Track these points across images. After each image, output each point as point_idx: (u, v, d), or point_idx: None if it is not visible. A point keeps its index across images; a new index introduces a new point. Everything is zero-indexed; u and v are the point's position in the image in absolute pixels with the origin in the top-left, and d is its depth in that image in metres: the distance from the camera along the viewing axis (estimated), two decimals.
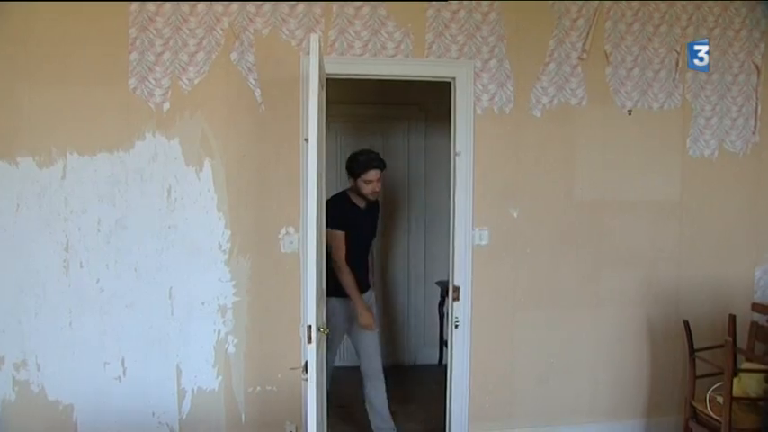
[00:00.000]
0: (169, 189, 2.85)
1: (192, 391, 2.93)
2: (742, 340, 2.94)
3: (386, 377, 3.31)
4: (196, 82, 2.84)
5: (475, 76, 3.06)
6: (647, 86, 3.27)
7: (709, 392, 2.86)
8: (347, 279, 3.08)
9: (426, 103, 4.58)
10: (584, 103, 3.19)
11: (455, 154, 3.04)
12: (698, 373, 2.98)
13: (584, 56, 3.18)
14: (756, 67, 3.36)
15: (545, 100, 3.16)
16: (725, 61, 3.34)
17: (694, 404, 2.97)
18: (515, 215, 3.15)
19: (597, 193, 3.25)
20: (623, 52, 3.24)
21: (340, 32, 2.95)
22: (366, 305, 3.15)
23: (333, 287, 3.01)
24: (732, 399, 2.67)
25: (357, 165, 3.13)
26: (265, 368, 2.98)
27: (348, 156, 3.25)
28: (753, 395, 2.75)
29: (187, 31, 2.81)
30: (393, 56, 3.00)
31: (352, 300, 3.10)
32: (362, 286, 3.22)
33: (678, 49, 3.28)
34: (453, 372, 3.11)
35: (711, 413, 2.81)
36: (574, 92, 3.18)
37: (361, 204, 3.24)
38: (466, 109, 3.04)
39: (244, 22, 2.86)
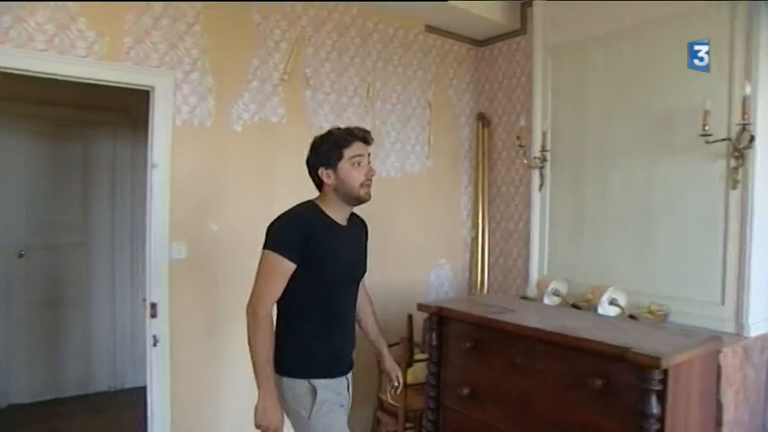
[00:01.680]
0: None
1: None
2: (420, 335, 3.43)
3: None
4: None
5: (176, 86, 3.00)
6: (342, 110, 3.61)
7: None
8: (260, 343, 1.89)
9: (135, 109, 4.29)
10: (284, 121, 3.38)
11: (152, 166, 2.91)
12: None
13: (286, 77, 3.37)
14: (429, 103, 4.01)
15: (246, 116, 3.24)
16: (406, 96, 3.91)
17: (380, 395, 3.36)
18: (215, 228, 3.15)
19: None
20: (322, 77, 3.53)
21: (17, 20, 2.59)
22: (272, 398, 1.92)
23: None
24: (407, 386, 3.09)
25: (333, 142, 2.02)
26: None
27: (311, 143, 2.12)
28: (422, 381, 3.24)
29: None
30: (84, 56, 2.75)
31: (257, 375, 1.92)
32: (336, 367, 2.05)
33: (369, 80, 3.72)
34: (153, 392, 2.96)
35: (391, 401, 3.22)
36: (275, 110, 3.34)
37: (341, 218, 2.07)
38: (165, 120, 2.94)
39: None
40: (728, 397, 2.43)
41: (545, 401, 2.37)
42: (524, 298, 3.37)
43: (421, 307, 2.91)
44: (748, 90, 2.42)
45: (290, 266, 1.92)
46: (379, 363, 2.54)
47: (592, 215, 3.17)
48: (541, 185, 3.41)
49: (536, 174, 3.43)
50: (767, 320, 2.62)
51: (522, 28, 3.94)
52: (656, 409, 2.02)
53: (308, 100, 3.48)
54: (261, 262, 1.95)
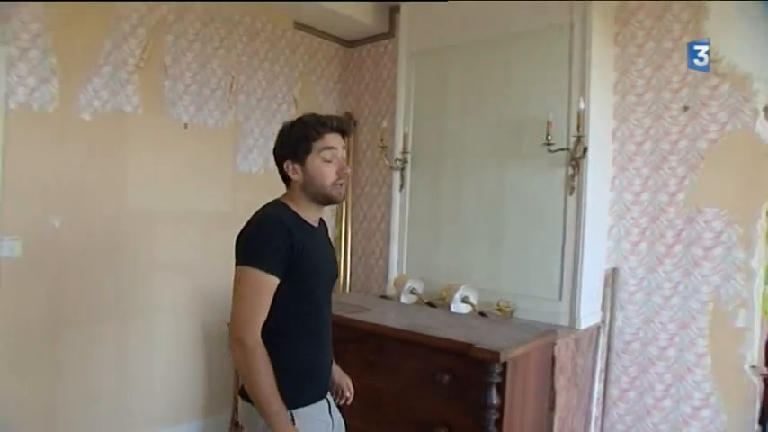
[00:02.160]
0: None
1: None
2: None
3: None
4: None
5: (9, 64, 2.68)
6: (203, 103, 3.45)
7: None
8: (259, 375, 1.56)
9: None
10: (139, 111, 3.16)
11: None
12: None
13: (143, 64, 3.15)
14: (295, 100, 3.96)
15: (97, 103, 2.99)
16: (271, 92, 3.83)
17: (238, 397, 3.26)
18: (57, 224, 2.86)
19: (151, 203, 3.24)
20: (183, 67, 3.35)
21: None
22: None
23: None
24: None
25: (303, 133, 1.73)
26: None
27: (279, 131, 1.81)
28: None
29: None
30: None
31: (264, 415, 1.57)
32: (316, 390, 1.75)
33: (233, 74, 3.59)
34: None
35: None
36: (129, 99, 3.11)
37: (313, 219, 1.79)
38: None
39: None
40: (561, 383, 2.66)
41: (398, 398, 2.43)
42: (383, 297, 3.44)
43: None
44: (582, 105, 2.66)
45: (274, 282, 1.59)
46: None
47: (448, 216, 3.31)
48: (402, 186, 3.50)
49: (397, 175, 3.51)
50: (595, 314, 2.91)
51: (391, 32, 4.03)
52: (495, 400, 2.16)
53: (167, 90, 3.28)
54: (239, 281, 1.60)
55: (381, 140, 3.54)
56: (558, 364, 2.61)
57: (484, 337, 2.31)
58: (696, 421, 2.73)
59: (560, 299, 2.81)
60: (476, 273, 3.13)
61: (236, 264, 1.61)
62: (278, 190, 1.80)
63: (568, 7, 2.85)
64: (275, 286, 1.59)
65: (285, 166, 1.73)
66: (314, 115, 1.76)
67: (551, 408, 2.60)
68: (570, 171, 2.77)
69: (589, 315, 2.84)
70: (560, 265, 2.82)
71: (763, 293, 2.62)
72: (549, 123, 2.71)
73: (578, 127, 2.67)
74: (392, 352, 2.45)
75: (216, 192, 3.56)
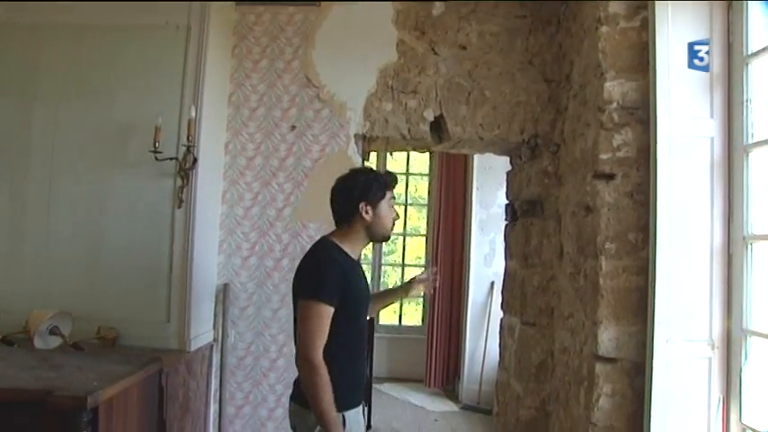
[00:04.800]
0: None
1: None
2: None
3: None
4: None
5: None
6: None
7: None
8: (323, 390, 1.84)
9: None
10: None
11: None
12: None
13: None
14: None
15: None
16: None
17: None
18: None
19: None
20: None
21: None
22: None
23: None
24: None
25: (381, 182, 2.07)
26: None
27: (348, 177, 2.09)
28: None
29: None
30: None
31: (323, 422, 1.85)
32: (357, 396, 2.08)
33: None
34: None
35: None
36: None
37: (356, 253, 2.11)
38: None
39: None
40: (172, 414, 2.45)
41: None
42: None
43: None
44: (193, 113, 2.52)
45: (331, 311, 1.92)
46: (405, 290, 2.43)
47: (35, 231, 2.72)
48: None
49: None
50: (207, 333, 2.80)
51: None
52: None
53: None
54: (304, 310, 1.92)
55: None
56: (166, 394, 2.39)
57: (71, 379, 1.92)
58: None
59: (168, 320, 2.60)
60: (71, 298, 2.63)
61: (301, 296, 1.93)
62: None
63: (187, 7, 2.68)
64: (331, 314, 1.91)
65: (360, 207, 2.01)
66: (373, 170, 2.25)
67: None
68: (179, 182, 2.59)
69: (201, 335, 2.71)
70: (168, 284, 2.61)
71: None
72: (157, 129, 2.49)
73: (188, 136, 2.51)
74: None
75: None
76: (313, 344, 1.87)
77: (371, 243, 2.21)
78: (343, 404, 1.93)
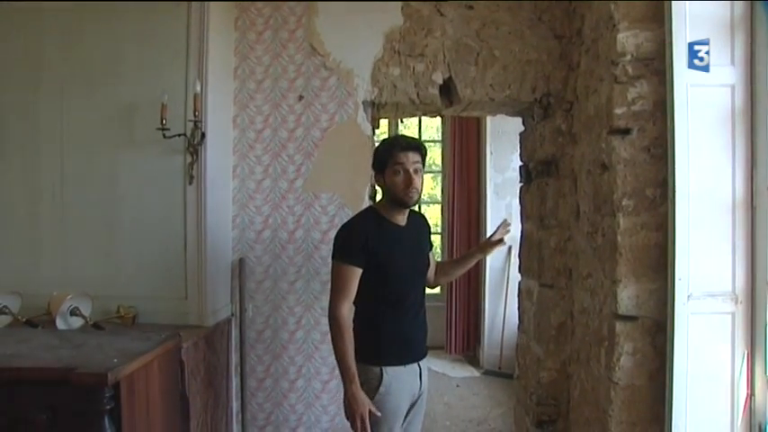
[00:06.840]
0: None
1: None
2: None
3: None
4: None
5: None
6: None
7: None
8: (344, 342, 2.05)
9: None
10: None
11: None
12: None
13: None
14: None
15: None
16: None
17: None
18: None
19: None
20: None
21: None
22: (359, 387, 2.06)
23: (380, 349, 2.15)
24: None
25: (382, 150, 2.16)
26: None
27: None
28: None
29: None
30: None
31: (344, 375, 2.07)
32: (401, 355, 2.17)
33: None
34: None
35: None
36: None
37: (400, 219, 2.20)
38: None
39: None
40: (194, 388, 2.48)
41: None
42: None
43: None
44: (198, 88, 2.48)
45: (356, 271, 2.07)
46: (482, 250, 2.55)
47: (50, 213, 2.73)
48: None
49: None
50: (225, 308, 2.82)
51: None
52: (110, 430, 1.83)
53: None
54: (332, 270, 2.12)
55: None
56: (187, 369, 2.41)
57: (91, 357, 1.94)
58: (325, 394, 2.91)
59: (186, 297, 2.61)
60: (88, 278, 2.65)
61: (331, 258, 2.15)
62: None
63: None
64: (358, 273, 2.08)
65: (375, 177, 2.21)
66: (395, 137, 2.38)
67: (185, 415, 2.39)
68: (189, 159, 2.57)
69: (219, 310, 2.73)
70: (183, 261, 2.61)
71: None
72: (163, 106, 2.46)
73: (195, 111, 2.48)
74: None
75: None
76: (335, 300, 2.08)
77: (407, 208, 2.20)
78: (384, 360, 2.10)
